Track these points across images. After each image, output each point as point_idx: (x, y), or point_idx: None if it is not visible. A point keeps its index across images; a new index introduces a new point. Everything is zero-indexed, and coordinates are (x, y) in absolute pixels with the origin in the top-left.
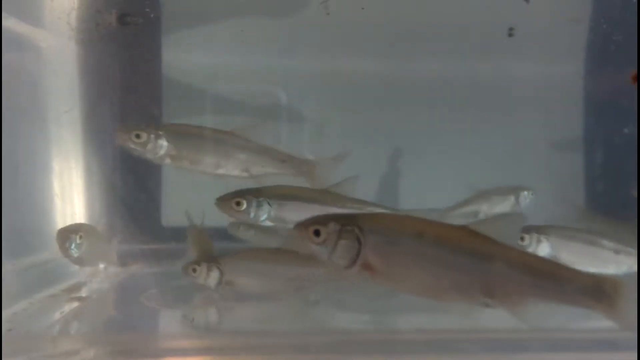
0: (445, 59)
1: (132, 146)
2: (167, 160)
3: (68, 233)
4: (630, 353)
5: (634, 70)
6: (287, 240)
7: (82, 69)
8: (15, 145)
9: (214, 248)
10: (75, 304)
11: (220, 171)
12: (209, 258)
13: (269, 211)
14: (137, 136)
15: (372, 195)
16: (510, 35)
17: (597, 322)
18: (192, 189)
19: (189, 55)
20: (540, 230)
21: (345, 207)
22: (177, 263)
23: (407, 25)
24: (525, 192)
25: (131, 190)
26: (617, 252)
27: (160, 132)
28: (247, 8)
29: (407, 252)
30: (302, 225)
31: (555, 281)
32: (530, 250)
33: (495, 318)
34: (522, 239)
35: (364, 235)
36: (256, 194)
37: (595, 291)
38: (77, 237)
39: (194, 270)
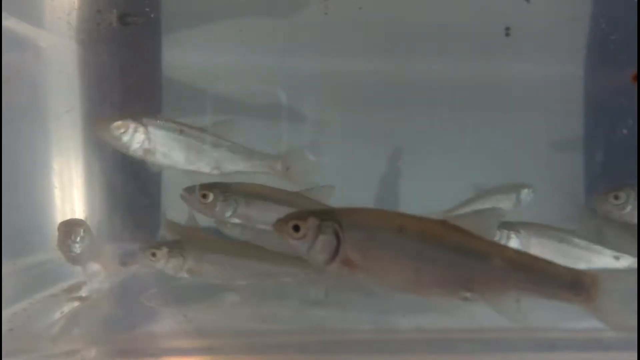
0: (445, 59)
1: (109, 137)
2: (140, 153)
3: (72, 226)
4: (630, 353)
5: (634, 70)
6: (255, 235)
7: (82, 68)
8: (16, 145)
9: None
10: (75, 304)
11: (191, 167)
12: (173, 244)
13: (235, 208)
14: (118, 128)
15: (372, 195)
16: (507, 34)
17: (597, 322)
18: None
19: (189, 55)
20: (510, 226)
21: None
22: None
23: (408, 24)
24: (527, 190)
25: (131, 190)
26: (588, 249)
27: (139, 126)
28: (247, 8)
29: (387, 246)
30: (282, 220)
31: (534, 275)
32: None
33: (495, 317)
34: None
35: (343, 231)
36: (224, 189)
37: (574, 285)
38: (82, 230)
39: (153, 255)
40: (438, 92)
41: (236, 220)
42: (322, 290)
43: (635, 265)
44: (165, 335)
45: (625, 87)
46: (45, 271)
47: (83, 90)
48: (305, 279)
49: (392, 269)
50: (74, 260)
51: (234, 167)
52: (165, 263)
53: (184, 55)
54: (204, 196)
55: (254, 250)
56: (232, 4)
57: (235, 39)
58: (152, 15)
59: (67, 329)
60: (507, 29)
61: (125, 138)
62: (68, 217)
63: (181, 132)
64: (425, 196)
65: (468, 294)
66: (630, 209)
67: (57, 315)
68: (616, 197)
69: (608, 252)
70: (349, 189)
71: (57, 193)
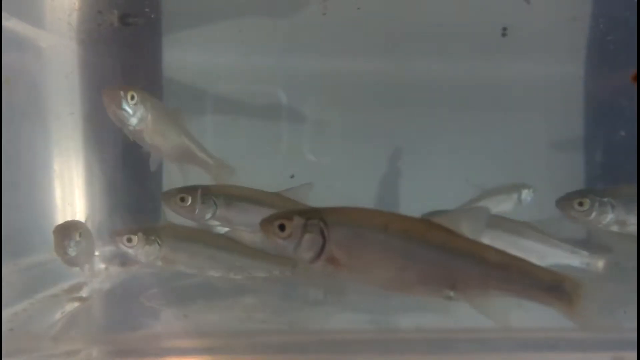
0: (445, 59)
1: (118, 109)
2: (130, 129)
3: (68, 230)
4: (630, 353)
5: (634, 70)
6: (232, 230)
7: (82, 69)
8: (16, 145)
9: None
10: (76, 304)
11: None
12: (149, 230)
13: (215, 210)
14: (131, 97)
15: (373, 195)
16: (503, 35)
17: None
18: None
19: (189, 56)
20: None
21: None
22: None
23: (408, 25)
24: (528, 190)
25: (132, 190)
26: (543, 242)
27: (140, 103)
28: (247, 8)
29: (372, 245)
30: (267, 220)
31: (517, 276)
32: None
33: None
34: None
35: (328, 229)
36: (203, 191)
37: (555, 289)
38: (77, 234)
39: (129, 240)
40: (438, 92)
41: (216, 223)
42: (320, 290)
43: (586, 261)
44: (165, 335)
45: (626, 87)
46: (46, 271)
47: (83, 90)
48: (280, 277)
49: (376, 267)
50: (71, 262)
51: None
52: (140, 249)
53: (184, 56)
54: (182, 199)
55: (231, 243)
56: (232, 5)
57: (235, 39)
58: (152, 16)
59: (68, 329)
60: (504, 29)
61: (128, 113)
62: (68, 217)
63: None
64: (426, 196)
65: (451, 293)
66: (595, 215)
67: (58, 315)
68: (580, 204)
69: (565, 246)
70: (349, 189)
71: (57, 193)
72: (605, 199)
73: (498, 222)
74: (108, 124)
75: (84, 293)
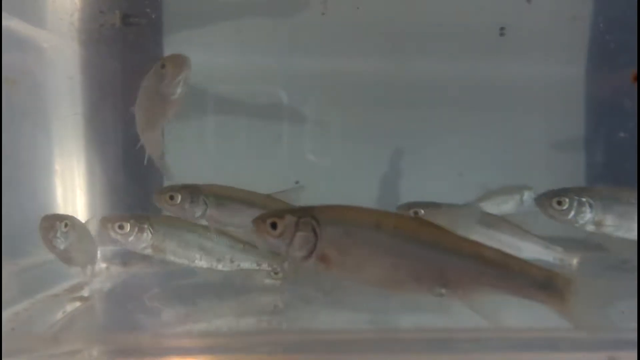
0: (446, 59)
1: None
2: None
3: (52, 221)
4: (630, 353)
5: (634, 70)
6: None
7: (84, 69)
8: (17, 145)
9: None
10: (77, 304)
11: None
12: (141, 218)
13: (205, 209)
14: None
15: (373, 195)
16: (501, 34)
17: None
18: None
19: (190, 56)
20: (433, 207)
21: None
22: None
23: (408, 25)
24: (530, 191)
25: (133, 190)
26: (518, 237)
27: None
28: (247, 8)
29: (364, 243)
30: (259, 218)
31: (508, 273)
32: None
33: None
34: (415, 213)
35: (320, 227)
36: (193, 190)
37: (546, 286)
38: (62, 225)
39: (121, 227)
40: (439, 92)
41: (205, 222)
42: (321, 290)
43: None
44: (167, 335)
45: (626, 88)
46: (47, 271)
47: (85, 90)
48: (268, 270)
49: (368, 265)
50: (67, 259)
51: None
52: (131, 237)
53: None
54: (172, 197)
55: (222, 235)
56: (232, 5)
57: (236, 39)
58: (153, 16)
59: (69, 328)
60: (502, 29)
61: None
62: None
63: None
64: (426, 196)
65: (443, 290)
66: (572, 214)
67: (59, 315)
68: (559, 203)
69: (540, 241)
70: (350, 189)
71: (59, 193)
72: (583, 199)
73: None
74: (109, 124)
75: (85, 293)
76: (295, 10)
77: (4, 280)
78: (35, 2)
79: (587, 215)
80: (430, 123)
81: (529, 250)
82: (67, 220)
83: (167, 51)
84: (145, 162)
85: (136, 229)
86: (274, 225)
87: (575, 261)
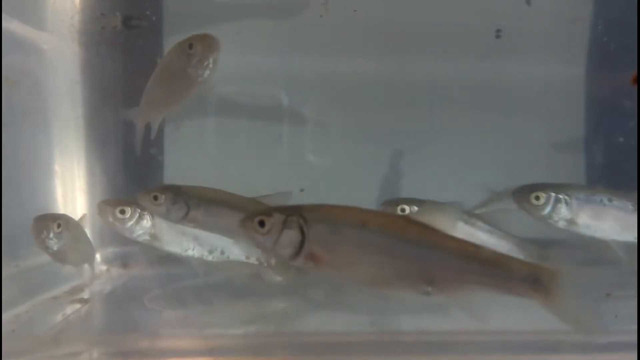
0: (446, 60)
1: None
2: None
3: (45, 221)
4: (630, 354)
5: (634, 72)
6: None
7: (84, 70)
8: (18, 147)
9: None
10: (77, 306)
11: None
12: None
13: (187, 211)
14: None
15: (373, 196)
16: (497, 37)
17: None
18: None
19: None
20: (411, 202)
21: None
22: (180, 265)
23: (408, 26)
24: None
25: (133, 191)
26: (490, 233)
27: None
28: (247, 10)
29: (351, 241)
30: (247, 216)
31: (493, 269)
32: None
33: (496, 321)
34: (402, 210)
35: (307, 226)
36: (177, 192)
37: (532, 280)
38: (55, 225)
39: (122, 212)
40: (439, 93)
41: (189, 224)
42: (321, 291)
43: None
44: (167, 337)
45: (626, 89)
46: (47, 273)
47: (85, 92)
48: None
49: (355, 263)
50: (61, 258)
51: None
52: (130, 222)
53: None
54: (155, 198)
55: None
56: (232, 6)
57: (236, 40)
58: (153, 18)
59: (69, 330)
60: (498, 30)
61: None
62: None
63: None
64: (426, 197)
65: (429, 288)
66: (548, 211)
67: (59, 317)
68: (537, 198)
69: (512, 238)
70: (350, 189)
71: (59, 194)
72: (560, 196)
73: None
74: (109, 125)
75: (85, 295)
76: (295, 11)
77: (4, 282)
78: (36, 4)
79: (563, 212)
80: (431, 124)
81: (502, 247)
82: (60, 220)
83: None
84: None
85: (136, 216)
86: (261, 223)
87: (546, 259)
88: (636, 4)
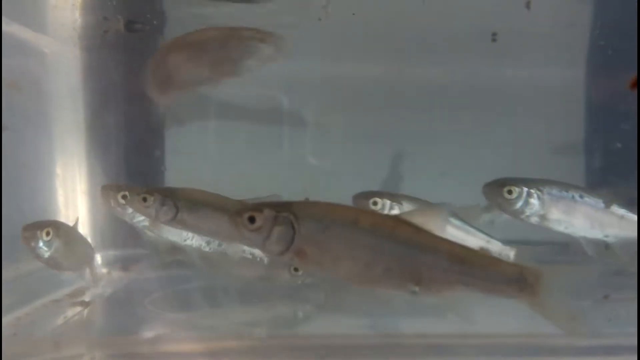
0: (446, 63)
1: None
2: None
3: (33, 230)
4: (630, 356)
5: (633, 77)
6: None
7: (86, 74)
8: (19, 150)
9: None
10: (78, 309)
11: None
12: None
13: (175, 213)
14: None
15: None
16: (493, 40)
17: (601, 328)
18: None
19: None
20: (391, 197)
21: None
22: (181, 267)
23: (408, 29)
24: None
25: None
26: (460, 229)
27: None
28: (248, 13)
29: (341, 239)
30: (237, 212)
31: (480, 270)
32: None
33: (494, 323)
34: (374, 203)
35: (298, 223)
36: (165, 194)
37: (518, 281)
38: (44, 233)
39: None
40: (438, 95)
41: (177, 226)
42: (321, 294)
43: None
44: (168, 340)
45: (626, 92)
46: (48, 276)
47: (86, 95)
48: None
49: (344, 261)
50: (52, 265)
51: None
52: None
53: None
54: (144, 200)
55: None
56: (232, 10)
57: None
58: (154, 22)
59: (70, 333)
60: (494, 34)
61: None
62: (71, 222)
63: None
64: (426, 199)
65: (416, 288)
66: (520, 205)
67: (60, 319)
68: (509, 192)
69: (480, 235)
70: (350, 191)
71: (60, 197)
72: (532, 190)
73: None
74: (110, 128)
75: (86, 297)
76: (295, 14)
77: (5, 284)
78: (37, 8)
79: (535, 207)
80: (431, 127)
81: (470, 243)
82: (50, 228)
83: None
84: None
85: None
86: (252, 219)
87: (512, 254)
88: (635, 7)
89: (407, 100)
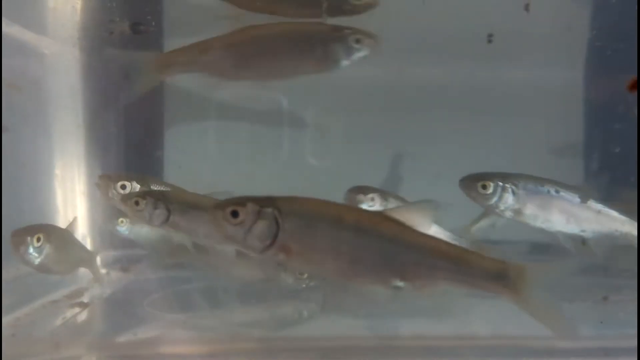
0: (445, 64)
1: None
2: None
3: (22, 235)
4: (629, 358)
5: (631, 79)
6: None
7: (85, 75)
8: (18, 150)
9: None
10: (77, 310)
11: None
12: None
13: (167, 216)
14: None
15: None
16: (489, 41)
17: (600, 330)
18: None
19: None
20: (366, 191)
21: None
22: (180, 268)
23: (408, 31)
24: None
25: None
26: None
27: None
28: (248, 14)
29: (326, 235)
30: (218, 205)
31: (464, 266)
32: None
33: (494, 325)
34: (372, 199)
35: (282, 218)
36: (158, 197)
37: (500, 277)
38: (34, 239)
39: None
40: (438, 96)
41: (170, 229)
42: (320, 297)
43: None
44: (166, 341)
45: (626, 94)
46: (48, 277)
47: (86, 96)
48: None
49: (328, 256)
50: (43, 270)
51: None
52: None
53: None
54: (137, 203)
55: None
56: (233, 10)
57: None
58: (154, 23)
59: (69, 334)
60: (490, 35)
61: None
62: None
63: None
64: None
65: (400, 283)
66: (495, 201)
67: (59, 320)
68: (484, 187)
69: (448, 233)
70: None
71: (59, 198)
72: (507, 185)
73: (397, 200)
74: (110, 129)
75: (85, 299)
76: (295, 16)
77: (4, 285)
78: (37, 9)
79: (509, 201)
80: (431, 127)
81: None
82: (40, 234)
83: None
84: None
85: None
86: (234, 214)
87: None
88: (634, 10)
89: (406, 100)
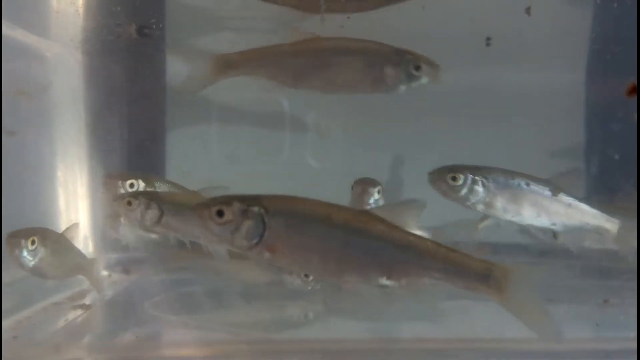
0: (446, 67)
1: None
2: None
3: (17, 238)
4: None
5: (631, 84)
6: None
7: (88, 78)
8: (21, 153)
9: None
10: (79, 312)
11: None
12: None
13: (158, 217)
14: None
15: None
16: (487, 45)
17: (600, 332)
18: None
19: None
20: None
21: None
22: (182, 270)
23: (407, 32)
24: None
25: None
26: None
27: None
28: (249, 17)
29: (312, 234)
30: (204, 204)
31: (450, 265)
32: None
33: (494, 327)
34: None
35: (269, 217)
36: (151, 197)
37: (486, 277)
38: (29, 242)
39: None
40: (439, 99)
41: (163, 230)
42: (321, 299)
43: None
44: (169, 343)
45: (625, 98)
46: (49, 280)
47: (88, 99)
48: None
49: (315, 256)
50: (37, 273)
51: None
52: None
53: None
54: (129, 203)
55: None
56: (234, 14)
57: (238, 48)
58: (160, 26)
59: (71, 337)
60: (488, 39)
61: None
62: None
63: None
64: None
65: (387, 282)
66: (465, 193)
67: (61, 323)
68: (454, 178)
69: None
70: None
71: (61, 201)
72: (477, 178)
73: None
74: (112, 132)
75: (87, 301)
76: (296, 19)
77: (5, 288)
78: (39, 12)
79: (480, 194)
80: (431, 130)
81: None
82: (35, 237)
83: (170, 60)
84: None
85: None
86: (220, 213)
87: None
88: (634, 13)
89: (407, 103)
